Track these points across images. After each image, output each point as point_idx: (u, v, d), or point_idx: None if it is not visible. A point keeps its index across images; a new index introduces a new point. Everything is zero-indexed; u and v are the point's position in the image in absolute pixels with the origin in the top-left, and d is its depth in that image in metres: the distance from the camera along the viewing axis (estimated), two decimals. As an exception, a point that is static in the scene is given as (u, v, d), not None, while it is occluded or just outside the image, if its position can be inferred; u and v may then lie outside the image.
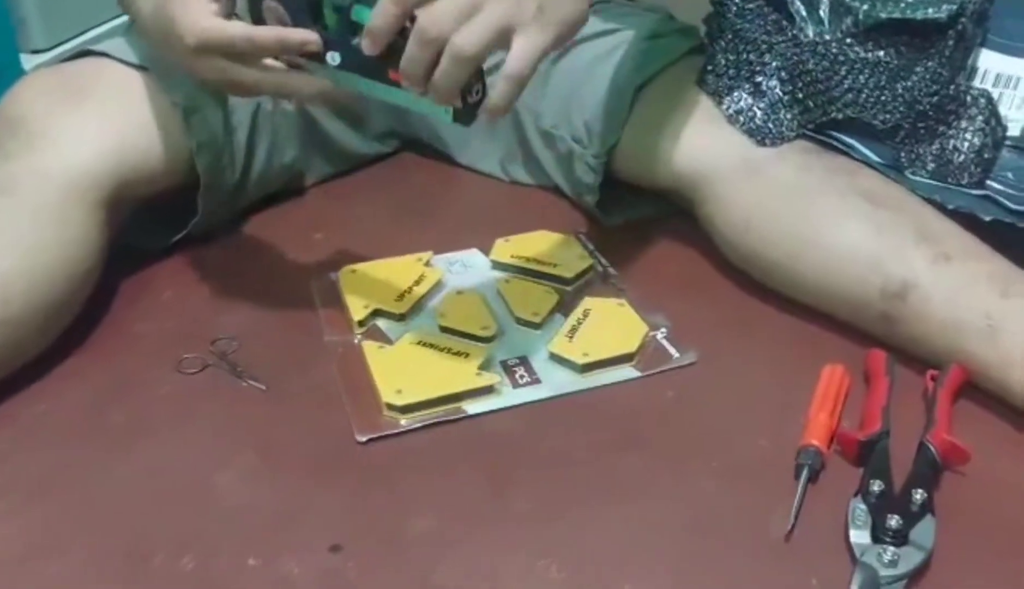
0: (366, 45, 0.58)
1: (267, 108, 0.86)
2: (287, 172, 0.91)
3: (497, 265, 0.82)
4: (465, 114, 0.59)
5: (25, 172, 0.70)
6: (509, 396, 0.66)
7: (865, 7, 0.85)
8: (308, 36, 0.61)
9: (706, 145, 0.78)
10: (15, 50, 1.05)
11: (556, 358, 0.69)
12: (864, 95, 0.82)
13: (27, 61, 1.06)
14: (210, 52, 0.62)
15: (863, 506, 0.54)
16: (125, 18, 0.89)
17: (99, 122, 0.73)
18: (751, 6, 0.86)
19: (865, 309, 0.69)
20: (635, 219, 0.89)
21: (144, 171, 0.76)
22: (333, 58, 0.61)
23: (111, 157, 0.73)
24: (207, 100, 0.79)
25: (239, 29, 0.61)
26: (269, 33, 0.62)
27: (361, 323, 0.74)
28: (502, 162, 0.96)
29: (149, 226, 0.82)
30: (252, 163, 0.86)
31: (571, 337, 0.71)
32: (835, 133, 0.79)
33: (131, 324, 0.75)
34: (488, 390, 0.66)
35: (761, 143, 0.77)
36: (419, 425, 0.64)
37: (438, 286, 0.78)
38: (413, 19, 0.56)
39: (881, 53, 0.85)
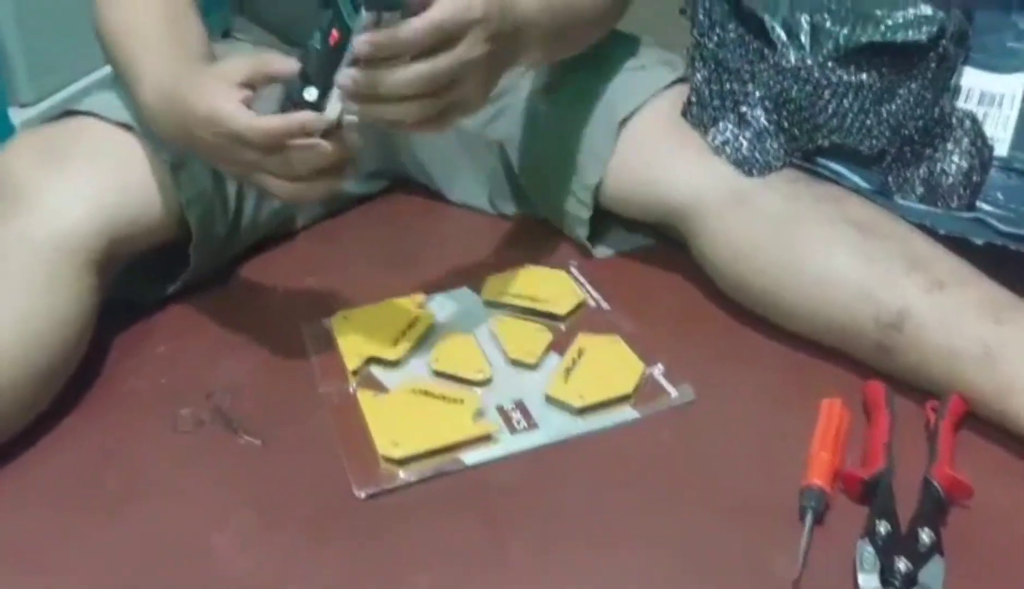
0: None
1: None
2: (277, 217, 0.91)
3: (489, 303, 0.81)
4: None
5: (13, 237, 0.70)
6: (506, 443, 0.66)
7: (845, 31, 0.86)
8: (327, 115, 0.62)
9: (693, 177, 0.78)
10: (3, 103, 1.05)
11: (553, 401, 0.69)
12: (849, 120, 0.82)
13: (15, 115, 1.06)
14: (247, 143, 0.62)
15: (870, 548, 0.54)
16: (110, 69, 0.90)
17: (86, 183, 0.73)
18: (732, 36, 0.87)
19: (860, 339, 0.69)
20: (627, 251, 0.89)
21: (134, 229, 0.76)
22: (310, 93, 0.62)
23: (99, 217, 0.72)
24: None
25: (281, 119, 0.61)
26: (296, 118, 0.61)
27: (355, 372, 0.73)
28: (491, 197, 0.96)
29: (140, 279, 0.82)
30: (242, 211, 0.86)
31: (567, 378, 0.70)
32: (822, 160, 0.80)
33: (124, 381, 0.75)
34: (485, 438, 0.66)
35: (748, 173, 0.77)
36: (417, 478, 0.63)
37: (431, 329, 0.78)
38: None
39: (864, 76, 0.85)
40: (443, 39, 0.60)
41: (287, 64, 0.63)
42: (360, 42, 0.59)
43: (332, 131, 0.62)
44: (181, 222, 0.79)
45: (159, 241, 0.80)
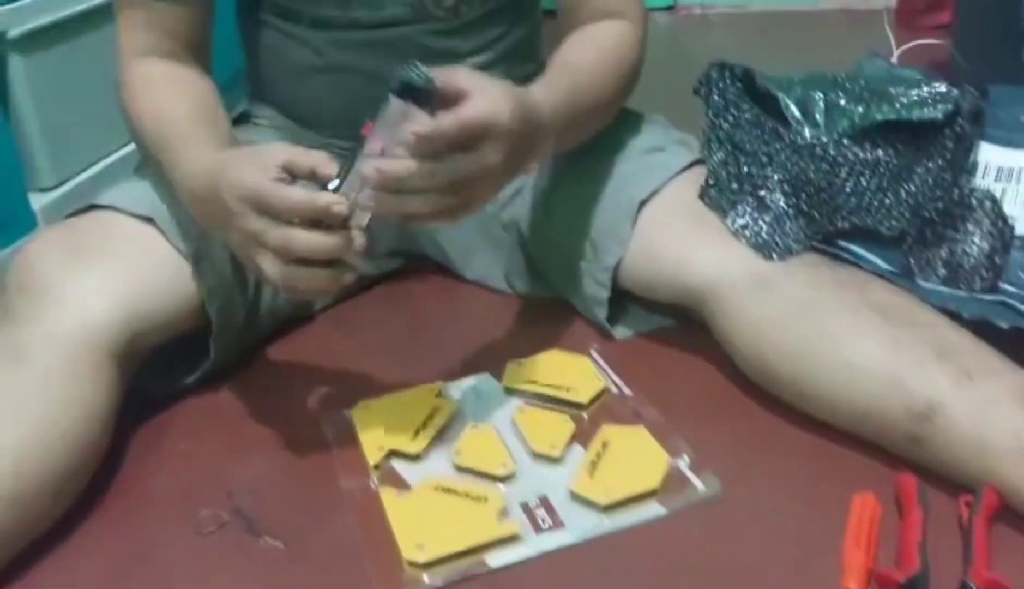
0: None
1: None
2: (295, 302, 0.91)
3: (510, 391, 0.81)
4: None
5: (35, 336, 0.70)
6: (532, 543, 0.65)
7: (860, 109, 0.86)
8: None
9: (713, 261, 0.78)
10: (23, 190, 1.06)
11: (578, 498, 0.68)
12: (867, 199, 0.82)
13: (35, 200, 1.07)
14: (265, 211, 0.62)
15: (908, 659, 0.52)
16: (129, 151, 0.90)
17: (106, 278, 0.74)
18: (747, 116, 0.87)
19: (890, 429, 0.68)
20: (647, 331, 0.89)
21: (154, 322, 0.76)
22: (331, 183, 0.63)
23: (120, 312, 0.73)
24: (214, 244, 0.80)
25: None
26: (322, 197, 0.61)
27: (376, 466, 0.73)
28: (508, 277, 0.96)
29: (159, 370, 0.82)
30: (260, 300, 0.86)
31: (591, 473, 0.69)
32: (843, 243, 0.79)
33: (146, 480, 0.75)
34: (510, 539, 0.65)
35: (768, 257, 0.77)
36: (443, 583, 0.62)
37: (452, 419, 0.77)
38: None
39: (880, 152, 0.86)
40: (469, 139, 0.62)
41: (332, 167, 0.63)
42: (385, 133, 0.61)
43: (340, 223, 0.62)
44: (201, 313, 0.80)
45: (179, 332, 0.80)
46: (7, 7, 1.00)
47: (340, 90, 0.89)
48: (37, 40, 1.04)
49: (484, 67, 0.90)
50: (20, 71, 1.02)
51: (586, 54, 0.81)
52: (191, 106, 0.78)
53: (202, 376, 0.83)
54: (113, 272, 0.74)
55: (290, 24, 0.87)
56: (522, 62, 0.94)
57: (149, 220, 0.78)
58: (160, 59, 0.82)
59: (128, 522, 0.70)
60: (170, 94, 0.80)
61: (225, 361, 0.84)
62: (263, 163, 0.64)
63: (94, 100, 1.08)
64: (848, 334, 0.70)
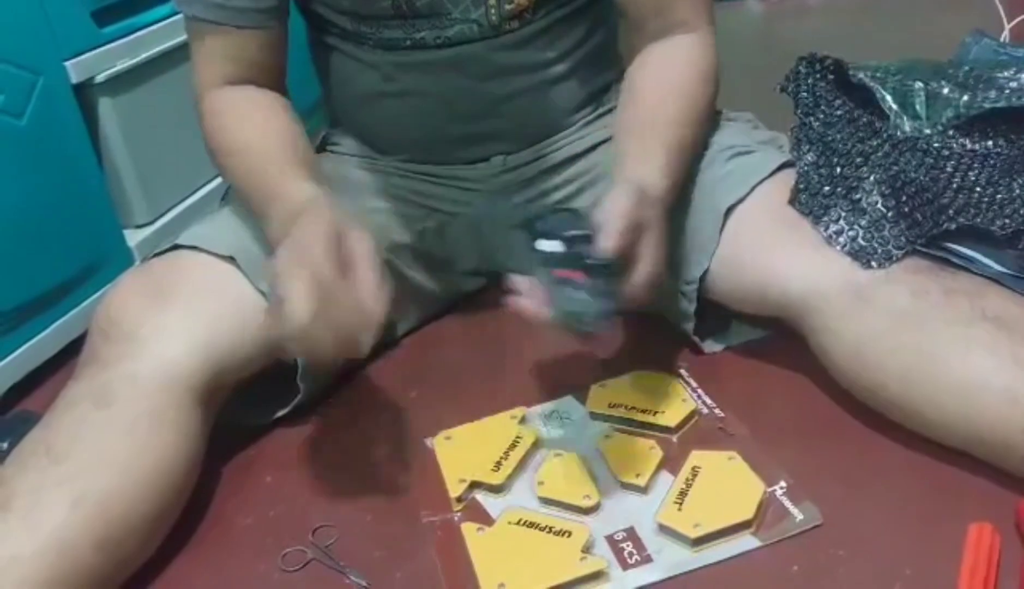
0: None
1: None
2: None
3: (595, 415, 0.78)
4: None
5: (119, 380, 0.70)
6: (618, 580, 0.62)
7: (965, 98, 0.80)
8: None
9: (806, 271, 0.73)
10: (119, 228, 1.09)
11: (666, 530, 0.65)
12: (977, 195, 0.76)
13: (131, 236, 1.10)
14: None
15: None
16: (219, 183, 0.90)
17: (187, 320, 0.74)
18: (839, 113, 0.82)
19: (1008, 451, 0.62)
20: (739, 344, 0.84)
21: (236, 360, 0.76)
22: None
23: (201, 353, 0.73)
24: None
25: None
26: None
27: (459, 498, 0.71)
28: (592, 293, 0.93)
29: (249, 402, 0.83)
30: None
31: (680, 504, 0.66)
32: (951, 245, 0.73)
33: (233, 515, 0.75)
34: (596, 576, 0.62)
35: (867, 265, 0.71)
36: (525, 626, 0.60)
37: (535, 447, 0.75)
38: None
39: (989, 143, 0.79)
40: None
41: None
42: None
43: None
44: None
45: (263, 367, 0.80)
46: (92, 53, 1.03)
47: (411, 113, 0.88)
48: (123, 82, 1.07)
49: (561, 78, 0.88)
50: (109, 113, 1.05)
51: (672, 100, 0.79)
52: (273, 140, 0.79)
53: (291, 410, 0.83)
54: (193, 313, 0.75)
55: (357, 48, 0.86)
56: (600, 70, 0.91)
57: (230, 259, 0.78)
58: (239, 87, 0.83)
59: (214, 560, 0.71)
60: (251, 126, 0.80)
61: (314, 392, 0.84)
62: (306, 261, 0.63)
63: (182, 135, 1.10)
64: (960, 349, 0.64)
